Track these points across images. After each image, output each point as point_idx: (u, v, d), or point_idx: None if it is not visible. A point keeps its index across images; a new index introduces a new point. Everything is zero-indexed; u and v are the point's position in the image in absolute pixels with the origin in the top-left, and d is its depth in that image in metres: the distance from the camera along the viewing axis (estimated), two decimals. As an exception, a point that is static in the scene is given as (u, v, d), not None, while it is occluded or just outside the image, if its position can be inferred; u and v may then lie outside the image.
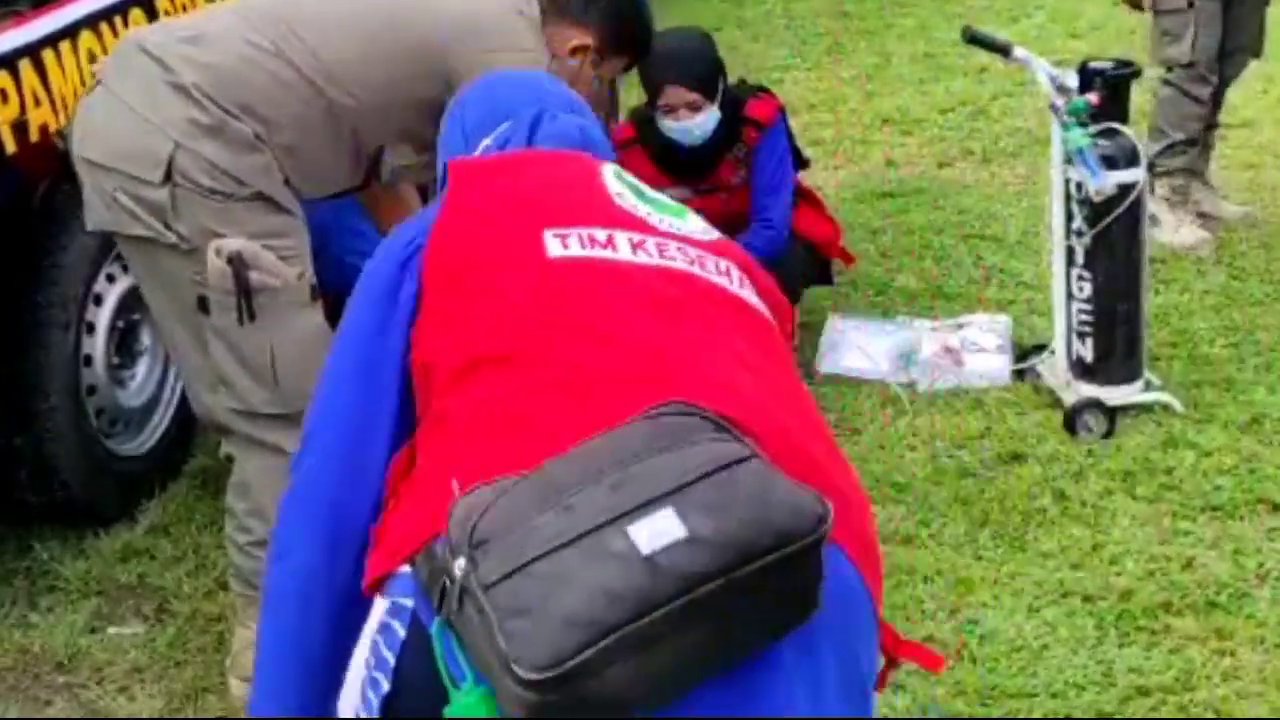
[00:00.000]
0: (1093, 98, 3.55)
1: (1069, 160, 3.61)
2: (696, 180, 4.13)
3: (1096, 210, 3.60)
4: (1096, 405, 3.68)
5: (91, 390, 3.48)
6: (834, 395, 3.99)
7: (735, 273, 1.74)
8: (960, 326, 4.20)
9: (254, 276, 2.70)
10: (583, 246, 1.68)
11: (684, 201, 4.03)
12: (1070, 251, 3.70)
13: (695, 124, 3.97)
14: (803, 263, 4.19)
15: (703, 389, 1.52)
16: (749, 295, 1.73)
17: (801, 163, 4.29)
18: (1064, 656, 2.94)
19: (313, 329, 2.74)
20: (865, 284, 4.66)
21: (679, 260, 1.70)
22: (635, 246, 1.69)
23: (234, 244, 2.69)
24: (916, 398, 3.94)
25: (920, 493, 3.52)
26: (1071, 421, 3.69)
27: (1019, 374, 3.99)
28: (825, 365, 4.11)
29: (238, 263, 2.68)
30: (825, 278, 4.36)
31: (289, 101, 2.76)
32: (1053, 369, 3.86)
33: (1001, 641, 2.99)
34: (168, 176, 2.68)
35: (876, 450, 3.71)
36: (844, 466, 1.67)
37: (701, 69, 3.99)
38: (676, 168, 4.11)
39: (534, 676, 1.30)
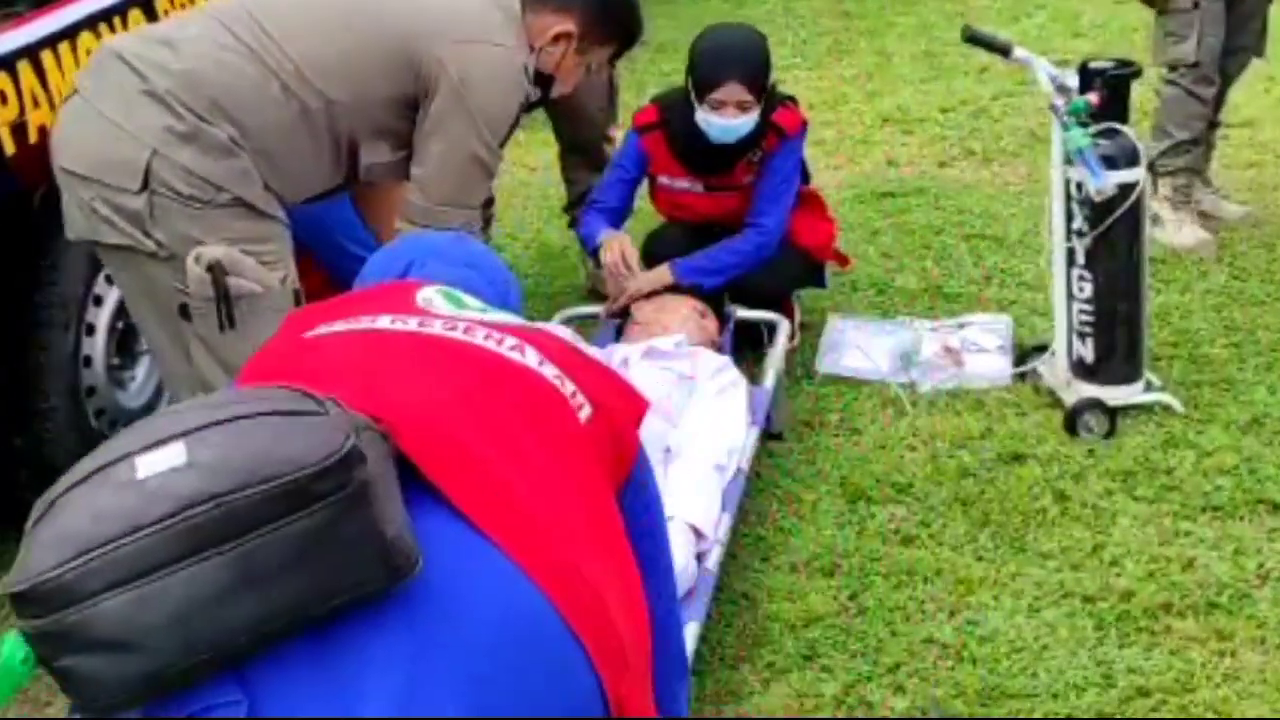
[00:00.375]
0: (1093, 98, 3.54)
1: (1069, 160, 3.60)
2: (709, 176, 4.12)
3: (1097, 210, 3.59)
4: (1097, 405, 3.68)
5: (91, 391, 3.48)
6: (834, 395, 3.99)
7: (510, 340, 1.71)
8: (961, 327, 4.19)
9: (234, 283, 2.70)
10: (342, 324, 1.70)
11: (693, 197, 4.14)
12: (1071, 252, 3.69)
13: (738, 124, 3.94)
14: (794, 267, 4.17)
15: (364, 398, 1.50)
16: (529, 363, 1.69)
17: (805, 177, 4.27)
18: (1064, 657, 2.94)
19: None
20: (866, 284, 4.65)
21: (437, 327, 1.69)
22: (394, 320, 1.70)
23: (214, 251, 2.68)
24: (917, 398, 3.93)
25: (920, 493, 3.51)
26: (1072, 422, 3.69)
27: (1020, 374, 3.98)
28: (825, 366, 4.10)
29: (217, 270, 2.68)
30: (818, 281, 4.34)
31: (263, 104, 2.75)
32: (1053, 369, 3.86)
33: (1002, 642, 2.99)
34: (145, 184, 2.67)
35: (877, 451, 3.71)
36: (596, 544, 1.60)
37: (761, 71, 3.96)
38: (693, 160, 4.10)
39: (8, 590, 1.30)
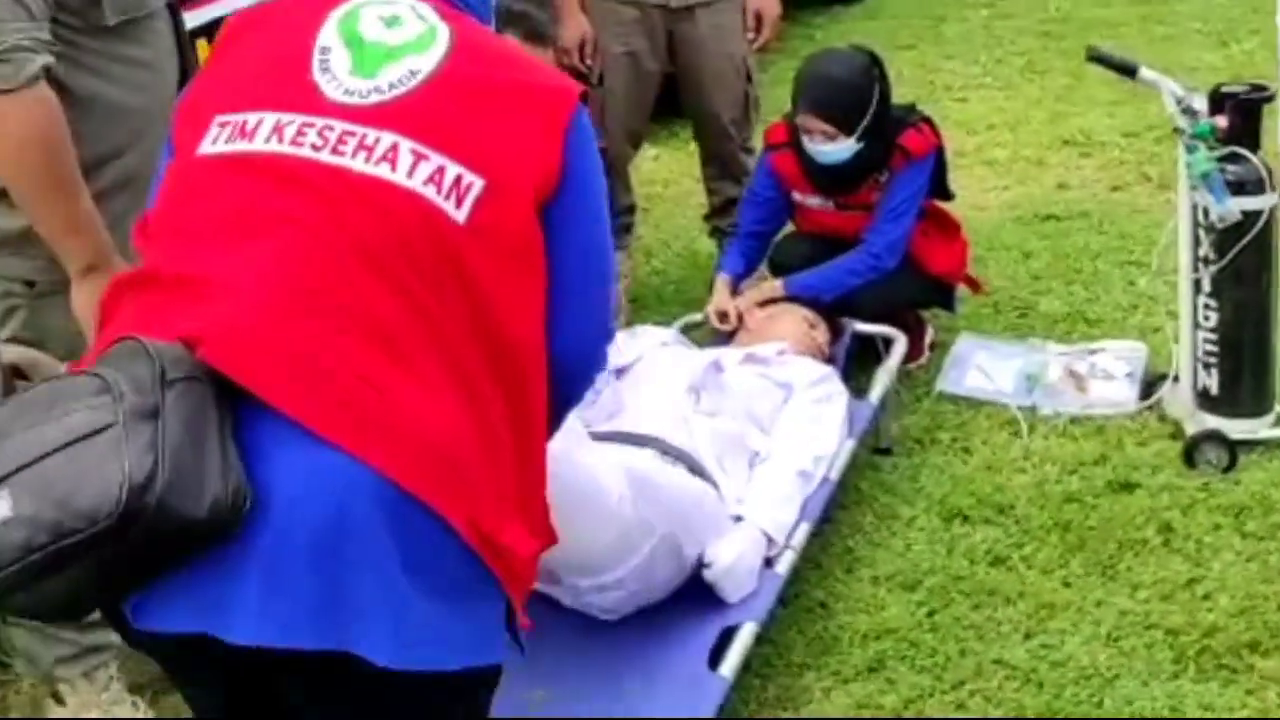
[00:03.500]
0: (1221, 121, 3.45)
1: (1195, 186, 3.51)
2: (838, 194, 4.14)
3: (1223, 237, 3.50)
4: (1218, 438, 3.57)
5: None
6: (951, 414, 3.96)
7: (386, 140, 1.66)
8: (1092, 353, 4.10)
9: None
10: (227, 141, 1.71)
11: (827, 215, 4.15)
12: (1197, 279, 3.60)
13: (828, 150, 3.99)
14: (912, 287, 4.15)
15: (188, 318, 1.60)
16: (397, 179, 1.65)
17: (945, 194, 4.24)
18: (1134, 688, 2.89)
19: None
20: (1008, 306, 4.58)
21: (306, 149, 1.67)
22: (274, 132, 1.69)
23: None
24: (1036, 422, 3.86)
25: (1020, 516, 3.47)
26: (1190, 453, 3.59)
27: (1147, 404, 3.87)
28: (945, 384, 4.06)
29: None
30: (947, 304, 4.30)
31: None
32: (1177, 399, 3.76)
33: (1073, 668, 2.95)
34: None
35: (984, 471, 3.67)
36: (451, 381, 1.64)
37: (841, 105, 3.97)
38: (817, 179, 4.13)
39: None
